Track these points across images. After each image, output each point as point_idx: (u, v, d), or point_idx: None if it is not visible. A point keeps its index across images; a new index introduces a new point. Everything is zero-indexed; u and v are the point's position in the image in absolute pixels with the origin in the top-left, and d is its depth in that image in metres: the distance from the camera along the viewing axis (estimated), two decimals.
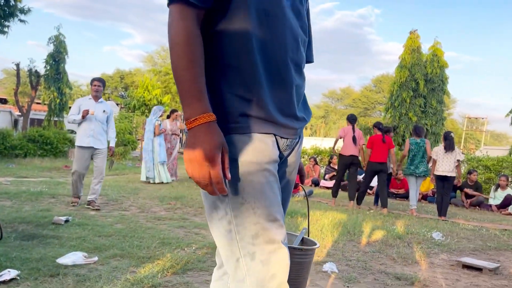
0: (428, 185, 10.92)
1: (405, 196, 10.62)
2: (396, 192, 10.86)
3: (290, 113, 1.21)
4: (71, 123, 5.55)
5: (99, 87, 5.64)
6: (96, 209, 5.33)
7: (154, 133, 9.15)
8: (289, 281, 1.11)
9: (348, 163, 7.88)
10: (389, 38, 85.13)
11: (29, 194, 5.97)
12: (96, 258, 3.16)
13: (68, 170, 10.94)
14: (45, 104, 18.50)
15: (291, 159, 1.32)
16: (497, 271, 3.88)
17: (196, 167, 1.00)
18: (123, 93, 42.78)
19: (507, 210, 9.43)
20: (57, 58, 17.77)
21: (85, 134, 5.46)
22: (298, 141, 1.32)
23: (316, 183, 12.23)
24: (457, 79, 79.93)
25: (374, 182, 9.11)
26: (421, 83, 17.73)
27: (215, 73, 1.13)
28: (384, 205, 7.63)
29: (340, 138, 7.99)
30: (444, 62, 18.16)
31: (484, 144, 28.15)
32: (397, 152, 8.68)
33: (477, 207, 9.97)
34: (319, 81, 73.30)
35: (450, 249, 4.74)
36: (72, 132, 17.44)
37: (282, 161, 1.27)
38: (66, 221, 4.40)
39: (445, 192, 7.48)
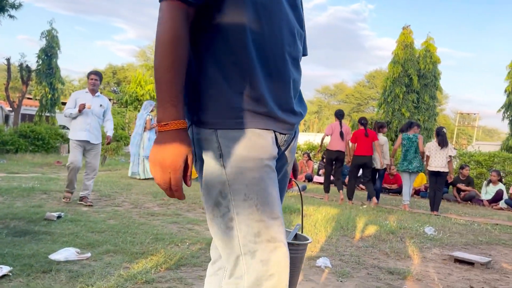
0: (420, 180, 11.00)
1: (398, 192, 10.70)
2: (389, 188, 10.93)
3: (288, 108, 1.20)
4: (67, 116, 5.44)
5: (96, 80, 5.53)
6: (89, 205, 5.29)
7: (145, 127, 9.10)
8: None
9: (333, 158, 8.03)
10: (382, 34, 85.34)
11: (20, 190, 5.92)
12: (89, 254, 3.14)
13: (60, 166, 10.87)
14: (36, 99, 18.33)
15: (286, 154, 1.31)
16: (488, 265, 3.92)
17: (159, 171, 1.02)
18: (115, 88, 42.46)
19: (498, 204, 9.54)
20: (49, 53, 17.61)
21: (80, 128, 5.36)
22: (294, 136, 1.31)
23: (309, 179, 12.26)
24: (450, 75, 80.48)
25: None
26: (415, 79, 17.82)
27: (213, 69, 1.11)
28: (370, 197, 7.90)
29: (327, 135, 8.13)
30: (436, 57, 18.26)
31: (476, 140, 28.35)
32: (390, 148, 8.75)
33: (469, 202, 10.07)
34: (313, 76, 73.40)
35: (442, 244, 4.78)
36: (64, 127, 17.31)
37: (279, 156, 1.26)
38: (59, 217, 4.37)
39: (438, 187, 7.54)
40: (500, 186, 9.84)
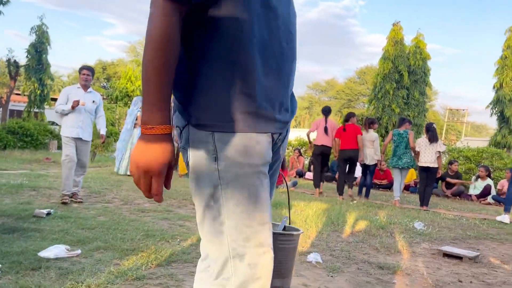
0: (410, 176, 11.09)
1: (388, 187, 10.78)
2: (379, 183, 11.00)
3: (285, 107, 1.19)
4: (59, 113, 5.32)
5: (88, 76, 5.43)
6: (79, 202, 5.25)
7: (136, 123, 9.01)
8: (273, 269, 1.12)
9: (318, 153, 8.17)
10: (373, 30, 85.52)
11: (9, 187, 5.85)
12: (79, 251, 3.12)
13: (49, 163, 10.77)
14: (25, 95, 18.12)
15: (278, 151, 1.31)
16: (476, 259, 3.97)
17: (141, 174, 1.01)
18: (105, 83, 42.11)
19: (487, 199, 9.66)
20: (39, 48, 17.39)
21: (73, 125, 5.26)
22: (286, 134, 1.31)
23: (300, 174, 12.30)
24: (439, 71, 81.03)
25: (358, 173, 9.22)
26: (405, 75, 17.93)
27: (210, 68, 1.07)
28: (350, 187, 8.23)
29: (312, 131, 8.31)
30: (426, 54, 18.39)
31: (464, 135, 28.67)
32: (381, 144, 8.83)
33: (458, 197, 10.19)
34: (303, 73, 73.26)
35: (431, 239, 4.83)
36: (53, 123, 17.15)
37: (273, 153, 1.25)
38: (48, 214, 4.33)
39: (428, 183, 7.61)
40: (488, 181, 9.97)
